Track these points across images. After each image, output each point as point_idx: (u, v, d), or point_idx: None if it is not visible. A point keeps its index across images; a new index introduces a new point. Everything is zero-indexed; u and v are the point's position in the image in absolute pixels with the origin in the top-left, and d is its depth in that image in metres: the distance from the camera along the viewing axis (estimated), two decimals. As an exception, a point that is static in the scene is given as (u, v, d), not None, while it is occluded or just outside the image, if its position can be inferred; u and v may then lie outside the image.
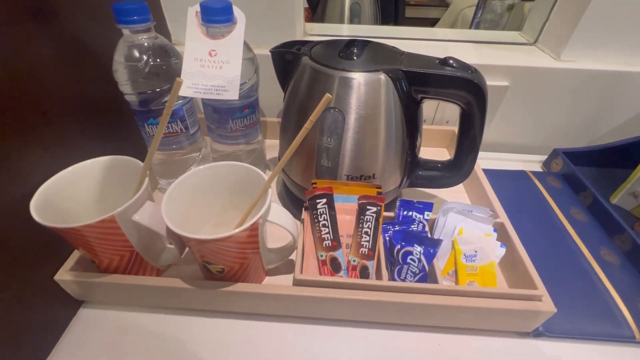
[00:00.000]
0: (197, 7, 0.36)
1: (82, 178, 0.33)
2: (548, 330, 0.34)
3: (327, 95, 0.26)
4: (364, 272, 0.35)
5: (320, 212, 0.35)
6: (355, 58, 0.35)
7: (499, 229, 0.39)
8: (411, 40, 0.61)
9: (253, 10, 0.51)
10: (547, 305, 0.32)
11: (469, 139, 0.37)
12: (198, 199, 0.35)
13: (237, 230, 0.27)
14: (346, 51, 0.36)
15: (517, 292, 0.32)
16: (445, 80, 0.33)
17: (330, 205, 0.35)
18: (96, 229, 0.29)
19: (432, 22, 1.85)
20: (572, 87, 0.54)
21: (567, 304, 0.36)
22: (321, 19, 0.83)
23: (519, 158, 0.61)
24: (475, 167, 0.53)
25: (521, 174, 0.54)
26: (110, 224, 0.29)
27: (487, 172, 0.54)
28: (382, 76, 0.33)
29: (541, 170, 0.57)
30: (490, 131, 0.61)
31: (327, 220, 0.35)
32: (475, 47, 0.58)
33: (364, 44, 0.37)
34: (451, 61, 0.33)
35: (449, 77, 0.33)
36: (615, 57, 0.52)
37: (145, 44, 0.37)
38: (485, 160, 0.59)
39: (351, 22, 0.78)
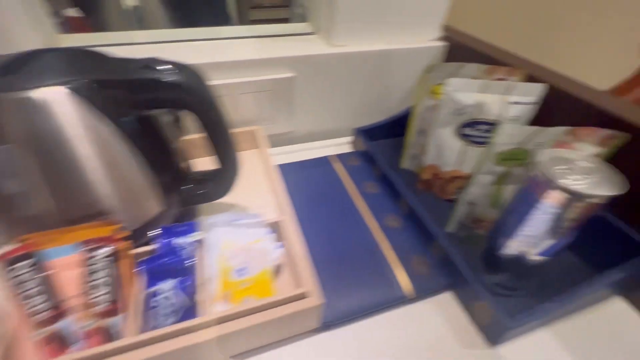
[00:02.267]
0: None
1: None
2: (334, 319, 0.34)
3: None
4: (107, 334, 0.28)
5: (23, 279, 0.27)
6: (26, 72, 0.27)
7: (278, 228, 0.37)
8: (195, 42, 0.55)
9: None
10: (315, 300, 0.31)
11: (215, 142, 0.34)
12: None
13: None
14: (14, 65, 0.28)
15: (285, 297, 0.31)
16: (144, 86, 0.28)
17: (38, 265, 0.27)
18: None
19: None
20: (351, 69, 0.57)
21: (351, 284, 0.37)
22: (102, 27, 0.71)
23: (333, 143, 0.63)
24: (264, 164, 0.51)
25: (322, 161, 0.55)
26: None
27: (287, 165, 0.53)
28: (61, 90, 0.26)
29: (351, 151, 0.60)
30: (296, 123, 0.61)
31: (37, 286, 0.27)
32: (259, 42, 0.57)
33: (47, 53, 0.30)
34: (154, 63, 0.29)
35: (146, 81, 0.28)
36: (378, 38, 0.57)
37: None
38: (293, 153, 0.59)
39: (136, 27, 0.68)
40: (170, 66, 0.29)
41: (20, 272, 0.27)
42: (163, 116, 0.34)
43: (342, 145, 0.63)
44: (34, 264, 0.27)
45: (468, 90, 0.42)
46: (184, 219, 0.38)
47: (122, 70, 0.29)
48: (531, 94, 0.41)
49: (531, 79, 0.45)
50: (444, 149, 0.46)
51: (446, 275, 0.38)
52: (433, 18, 0.59)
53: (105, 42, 0.52)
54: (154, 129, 0.33)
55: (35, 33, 0.47)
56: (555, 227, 0.29)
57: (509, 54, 0.53)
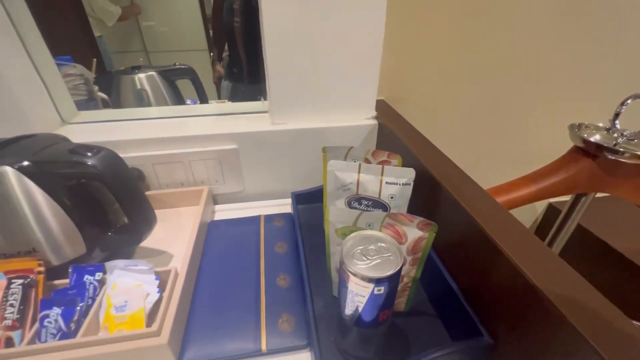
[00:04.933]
0: None
1: None
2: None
3: None
4: (9, 343, 0.38)
5: (-38, 294, 0.38)
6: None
7: (168, 276, 0.45)
8: (163, 119, 0.71)
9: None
10: (159, 340, 0.38)
11: (123, 205, 0.45)
12: None
13: None
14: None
15: (136, 333, 0.38)
16: (69, 165, 0.41)
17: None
18: None
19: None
20: (290, 142, 0.68)
21: (220, 334, 0.42)
22: (118, 105, 0.92)
23: (278, 203, 0.72)
24: (195, 219, 0.61)
25: (253, 220, 0.63)
26: None
27: (222, 222, 0.63)
28: (7, 169, 0.40)
29: (281, 212, 0.67)
30: (245, 184, 0.71)
31: (-31, 300, 0.38)
32: (216, 119, 0.70)
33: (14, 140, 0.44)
34: (79, 148, 0.42)
35: (71, 162, 0.41)
36: (317, 117, 0.68)
37: None
38: (241, 210, 0.69)
39: (141, 105, 0.88)
40: (89, 153, 0.42)
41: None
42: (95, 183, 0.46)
43: (285, 205, 0.71)
44: (-29, 284, 0.39)
45: (348, 171, 0.49)
46: (112, 258, 0.49)
47: (54, 153, 0.42)
48: (403, 176, 0.47)
49: (417, 165, 0.51)
50: (340, 219, 0.52)
51: (305, 336, 0.42)
52: (364, 102, 0.68)
53: (110, 118, 0.70)
54: (84, 193, 0.45)
55: (53, 114, 0.66)
56: (355, 302, 0.33)
57: (420, 141, 0.59)
